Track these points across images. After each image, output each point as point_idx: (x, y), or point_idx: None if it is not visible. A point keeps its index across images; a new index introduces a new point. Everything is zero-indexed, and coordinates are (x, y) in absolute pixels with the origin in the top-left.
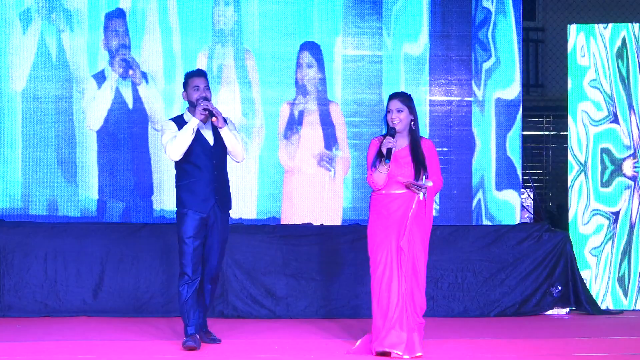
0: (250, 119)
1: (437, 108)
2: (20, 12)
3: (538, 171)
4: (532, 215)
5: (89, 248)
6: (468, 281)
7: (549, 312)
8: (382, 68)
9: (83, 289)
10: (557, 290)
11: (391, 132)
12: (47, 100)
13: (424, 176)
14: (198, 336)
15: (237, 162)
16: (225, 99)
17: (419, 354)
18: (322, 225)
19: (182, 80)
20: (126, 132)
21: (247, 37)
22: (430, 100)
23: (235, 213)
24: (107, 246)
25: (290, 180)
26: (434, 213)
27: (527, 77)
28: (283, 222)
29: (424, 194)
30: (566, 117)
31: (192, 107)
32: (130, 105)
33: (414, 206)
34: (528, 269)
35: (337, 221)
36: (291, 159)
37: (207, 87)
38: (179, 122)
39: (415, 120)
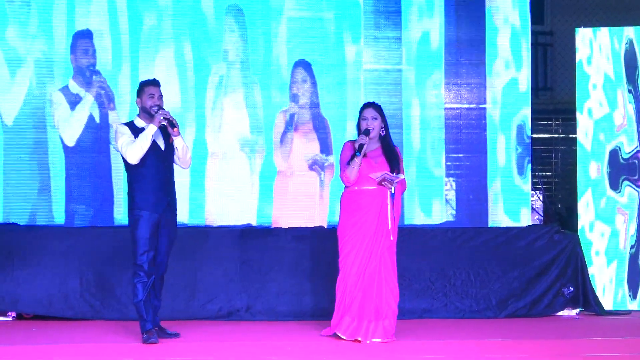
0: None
1: (450, 112)
2: None
3: (547, 173)
4: (541, 217)
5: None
6: (479, 282)
7: (559, 313)
8: (401, 75)
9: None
10: (569, 291)
11: (365, 132)
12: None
13: (395, 172)
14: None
15: (183, 168)
16: None
17: (381, 339)
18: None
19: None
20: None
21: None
22: (445, 106)
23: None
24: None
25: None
26: (451, 218)
27: (536, 81)
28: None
29: (394, 188)
30: (575, 120)
31: (145, 113)
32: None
33: (390, 202)
34: (539, 270)
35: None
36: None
37: (160, 96)
38: (131, 127)
39: (386, 127)
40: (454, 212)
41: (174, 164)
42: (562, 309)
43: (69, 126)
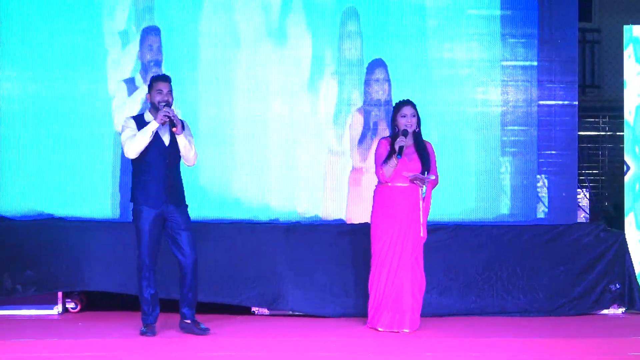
0: None
1: (544, 109)
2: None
3: (594, 171)
4: (588, 215)
5: None
6: (526, 277)
7: (605, 312)
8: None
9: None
10: (616, 288)
11: (404, 132)
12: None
13: (426, 172)
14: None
15: (188, 165)
16: None
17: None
18: None
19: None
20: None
21: None
22: (539, 104)
23: None
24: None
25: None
26: (542, 215)
27: (583, 78)
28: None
29: (426, 186)
30: (622, 117)
31: (154, 108)
32: None
33: (422, 200)
34: (585, 267)
35: None
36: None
37: (170, 92)
38: (139, 121)
39: (419, 124)
40: (546, 210)
41: (179, 160)
42: (610, 305)
43: (124, 116)
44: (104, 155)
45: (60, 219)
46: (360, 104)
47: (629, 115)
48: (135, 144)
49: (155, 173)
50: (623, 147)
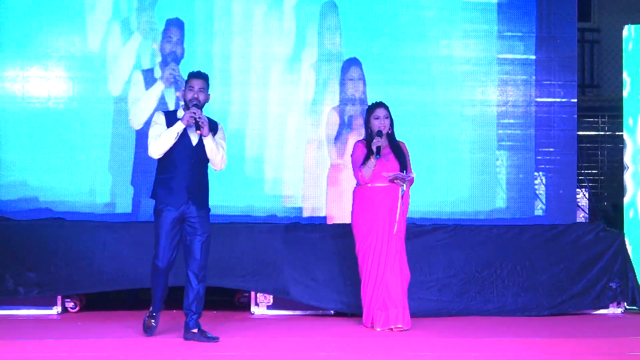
0: None
1: (542, 108)
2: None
3: (593, 171)
4: (587, 215)
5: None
6: (525, 274)
7: (604, 311)
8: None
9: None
10: (616, 286)
11: (379, 133)
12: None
13: (404, 170)
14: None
15: (215, 169)
16: None
17: (399, 325)
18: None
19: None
20: None
21: None
22: (536, 102)
23: None
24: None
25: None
26: (540, 212)
27: (583, 78)
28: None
29: (406, 185)
30: (621, 117)
31: (186, 106)
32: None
33: (401, 198)
34: (584, 265)
35: None
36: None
37: (202, 89)
38: (171, 117)
39: (392, 125)
40: (544, 207)
41: (207, 161)
42: (611, 303)
43: (139, 110)
44: (106, 154)
45: (60, 218)
46: (336, 102)
47: None
48: (159, 145)
49: (180, 172)
50: (622, 147)
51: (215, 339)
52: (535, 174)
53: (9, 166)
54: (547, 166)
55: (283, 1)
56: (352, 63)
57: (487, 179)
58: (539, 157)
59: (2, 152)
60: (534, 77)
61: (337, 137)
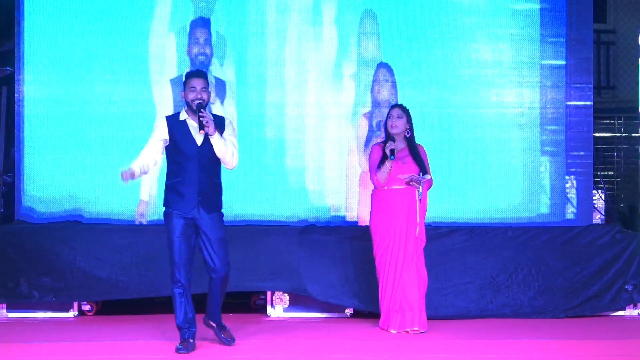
0: None
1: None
2: None
3: (609, 173)
4: (603, 217)
5: None
6: (541, 277)
7: (620, 313)
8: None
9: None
10: (632, 288)
11: (391, 138)
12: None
13: (421, 173)
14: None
15: (228, 168)
16: None
17: (415, 328)
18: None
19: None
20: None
21: None
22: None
23: None
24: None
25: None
26: (571, 216)
27: (598, 79)
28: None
29: (422, 187)
30: (637, 119)
31: (189, 107)
32: None
33: (418, 200)
34: (601, 267)
35: None
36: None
37: (204, 88)
38: (173, 121)
39: (411, 128)
40: (575, 211)
41: (217, 162)
42: (627, 305)
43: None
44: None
45: (77, 221)
46: (369, 107)
47: None
48: (141, 157)
49: (187, 175)
50: (638, 148)
51: (231, 341)
52: (567, 177)
53: (45, 168)
54: (577, 169)
55: (322, 10)
56: (382, 67)
57: (532, 184)
58: (569, 161)
59: (42, 154)
60: (564, 80)
61: (367, 142)
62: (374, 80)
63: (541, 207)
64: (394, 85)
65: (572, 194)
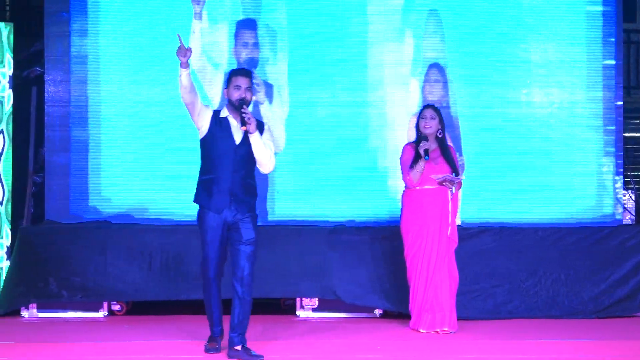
0: None
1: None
2: None
3: (639, 173)
4: (633, 217)
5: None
6: (570, 281)
7: None
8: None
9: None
10: None
11: (423, 137)
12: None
13: (454, 173)
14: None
15: (263, 172)
16: None
17: (445, 328)
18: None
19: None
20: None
21: None
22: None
23: None
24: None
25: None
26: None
27: (628, 79)
28: None
29: (455, 187)
30: None
31: (231, 105)
32: None
33: (450, 200)
34: (632, 269)
35: None
36: None
37: (249, 88)
38: (216, 115)
39: (443, 129)
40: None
41: (253, 162)
42: None
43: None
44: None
45: (106, 221)
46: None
47: None
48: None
49: (221, 173)
50: None
51: (259, 357)
52: (617, 177)
53: (109, 169)
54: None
55: (392, 10)
56: (433, 67)
57: (597, 186)
58: (619, 161)
59: (106, 155)
60: (614, 79)
61: None
62: (425, 81)
63: (604, 207)
64: (445, 85)
65: (620, 194)
